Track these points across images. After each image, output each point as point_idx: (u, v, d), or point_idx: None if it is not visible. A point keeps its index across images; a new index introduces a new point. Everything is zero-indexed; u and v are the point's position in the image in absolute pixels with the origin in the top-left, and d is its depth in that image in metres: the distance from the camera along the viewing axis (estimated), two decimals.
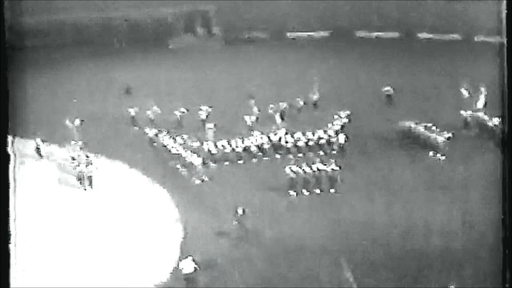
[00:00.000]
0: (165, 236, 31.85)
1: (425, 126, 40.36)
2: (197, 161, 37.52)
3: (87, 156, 38.39)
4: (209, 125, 41.80)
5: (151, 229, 32.33)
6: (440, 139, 38.91)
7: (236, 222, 31.48)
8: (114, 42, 58.47)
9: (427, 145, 39.40)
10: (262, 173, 37.70)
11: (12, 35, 26.02)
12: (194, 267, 27.95)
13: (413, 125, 40.88)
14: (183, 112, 43.67)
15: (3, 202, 24.49)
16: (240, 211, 31.53)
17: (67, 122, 41.95)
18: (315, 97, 46.26)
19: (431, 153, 38.71)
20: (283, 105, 44.31)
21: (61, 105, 45.47)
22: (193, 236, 31.54)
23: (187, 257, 28.38)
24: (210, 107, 43.79)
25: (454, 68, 50.78)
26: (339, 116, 42.61)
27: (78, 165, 37.38)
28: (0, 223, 24.22)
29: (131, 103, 46.16)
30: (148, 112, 44.03)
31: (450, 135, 39.05)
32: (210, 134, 40.92)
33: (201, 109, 43.69)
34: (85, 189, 36.57)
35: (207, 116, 43.33)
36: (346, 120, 42.39)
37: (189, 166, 37.60)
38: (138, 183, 37.16)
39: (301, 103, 45.44)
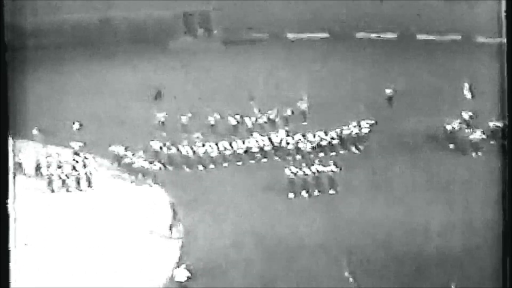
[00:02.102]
0: (164, 237, 31.86)
1: (463, 125, 40.34)
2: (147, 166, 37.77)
3: (86, 158, 38.40)
4: (197, 134, 41.37)
5: (150, 230, 32.34)
6: (479, 136, 38.97)
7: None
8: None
9: (467, 143, 39.34)
10: (261, 175, 37.68)
11: (12, 35, 26.00)
12: (187, 276, 27.96)
13: (449, 124, 40.71)
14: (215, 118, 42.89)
15: (3, 202, 24.48)
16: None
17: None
18: (304, 106, 44.59)
19: (472, 153, 38.81)
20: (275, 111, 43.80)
21: (61, 105, 45.40)
22: (192, 238, 31.58)
23: (181, 265, 28.42)
24: (237, 114, 43.27)
25: (454, 69, 50.72)
26: (359, 124, 41.49)
27: (77, 166, 37.46)
28: (0, 223, 24.19)
29: (133, 104, 46.16)
30: (182, 118, 43.07)
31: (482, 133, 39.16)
32: (193, 140, 40.58)
33: (230, 115, 43.36)
34: (81, 190, 36.71)
35: (237, 122, 42.73)
36: (368, 130, 41.28)
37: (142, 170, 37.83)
38: (138, 185, 37.30)
39: (289, 111, 43.90)
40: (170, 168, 38.52)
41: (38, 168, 38.08)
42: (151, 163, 37.86)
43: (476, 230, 30.25)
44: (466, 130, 40.01)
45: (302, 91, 45.98)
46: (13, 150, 25.73)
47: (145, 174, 37.65)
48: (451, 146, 39.86)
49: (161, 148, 39.29)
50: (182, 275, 28.00)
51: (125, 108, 45.59)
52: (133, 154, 38.62)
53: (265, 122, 42.89)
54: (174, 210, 32.71)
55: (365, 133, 40.97)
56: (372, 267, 28.54)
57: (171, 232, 31.98)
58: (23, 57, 38.95)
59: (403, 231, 30.95)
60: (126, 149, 39.25)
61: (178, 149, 39.07)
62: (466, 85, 44.81)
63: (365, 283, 27.56)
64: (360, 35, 63.69)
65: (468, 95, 44.41)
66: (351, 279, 27.77)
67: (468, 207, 32.28)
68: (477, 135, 39.21)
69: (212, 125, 42.35)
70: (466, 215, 31.64)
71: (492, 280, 26.03)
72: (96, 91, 48.69)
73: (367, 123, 41.45)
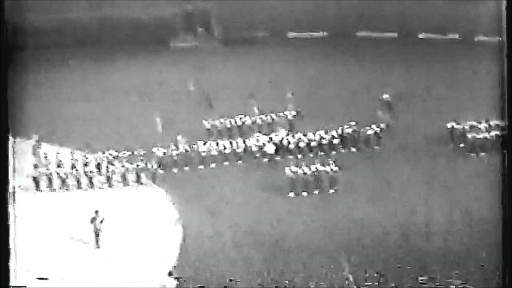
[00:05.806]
0: (164, 237, 31.92)
1: (463, 124, 40.26)
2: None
3: (86, 157, 38.43)
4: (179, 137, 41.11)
5: (150, 230, 32.39)
6: (479, 136, 38.98)
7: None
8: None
9: (467, 142, 39.31)
10: (262, 174, 37.73)
11: (12, 35, 26.04)
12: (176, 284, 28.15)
13: (456, 125, 40.60)
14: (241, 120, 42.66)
15: (3, 203, 24.52)
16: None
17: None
18: (291, 114, 43.61)
19: (472, 153, 38.75)
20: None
21: (60, 106, 45.51)
22: (192, 237, 31.63)
23: (170, 274, 28.55)
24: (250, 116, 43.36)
25: (453, 68, 50.73)
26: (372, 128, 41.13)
27: (77, 167, 37.58)
28: (0, 223, 24.24)
29: (133, 104, 46.20)
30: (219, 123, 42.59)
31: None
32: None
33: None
34: (82, 189, 36.79)
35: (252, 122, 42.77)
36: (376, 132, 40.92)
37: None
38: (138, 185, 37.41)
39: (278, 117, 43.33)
40: (170, 167, 38.58)
41: (37, 167, 38.10)
42: (151, 163, 37.91)
43: (476, 230, 30.30)
44: (466, 130, 40.01)
45: (301, 89, 45.92)
46: (13, 150, 25.76)
47: (145, 174, 37.73)
48: (451, 145, 39.88)
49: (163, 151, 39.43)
50: (171, 283, 28.21)
51: (126, 108, 45.63)
52: (133, 154, 38.66)
53: (264, 121, 42.92)
54: (96, 215, 32.06)
55: (369, 134, 40.97)
56: (372, 267, 28.58)
57: (97, 241, 31.48)
58: (23, 57, 39.02)
59: (403, 231, 30.99)
60: (125, 148, 39.34)
61: (177, 149, 39.15)
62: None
63: (365, 283, 27.62)
64: (360, 34, 63.68)
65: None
66: (350, 279, 27.82)
67: (468, 207, 32.33)
68: (477, 135, 39.23)
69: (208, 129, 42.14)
70: (466, 215, 31.68)
71: (492, 280, 26.07)
72: (96, 90, 48.72)
73: (377, 127, 41.22)
